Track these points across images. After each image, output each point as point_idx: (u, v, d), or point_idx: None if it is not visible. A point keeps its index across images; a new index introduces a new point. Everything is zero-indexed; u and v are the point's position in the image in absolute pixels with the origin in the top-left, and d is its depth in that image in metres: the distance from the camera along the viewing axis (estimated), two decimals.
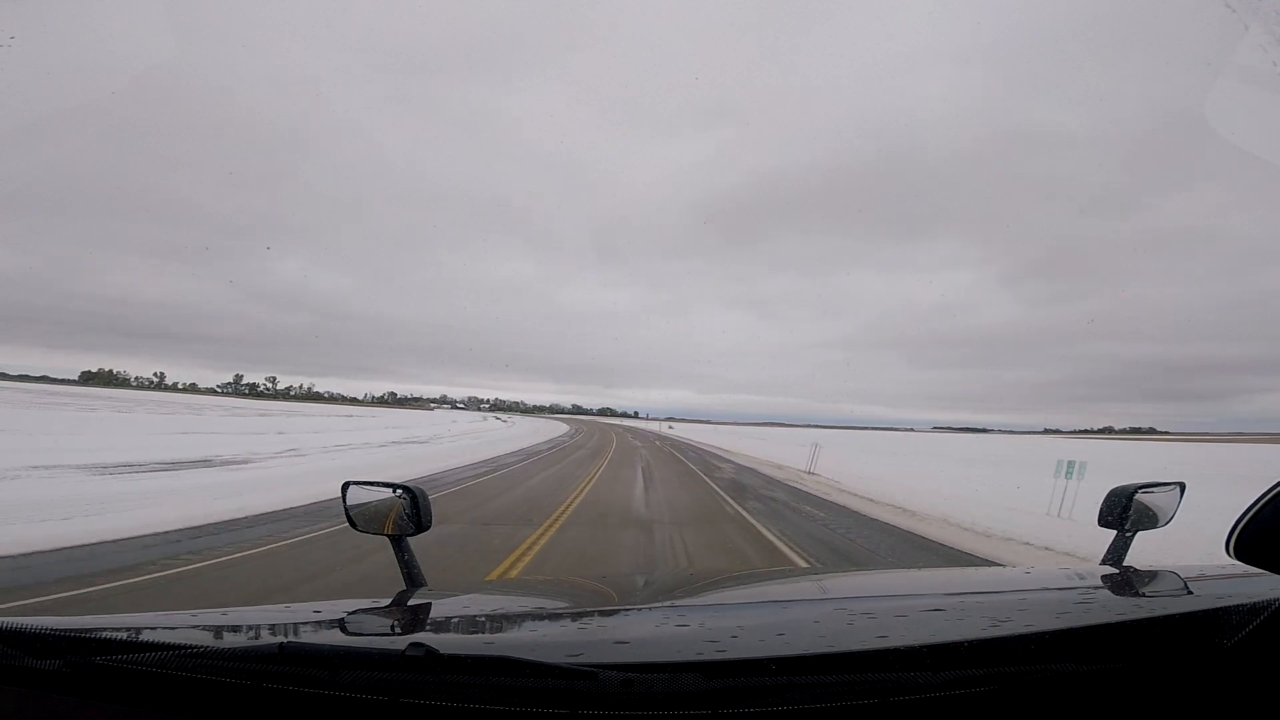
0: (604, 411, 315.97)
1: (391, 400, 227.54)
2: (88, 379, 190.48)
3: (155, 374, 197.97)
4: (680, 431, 74.93)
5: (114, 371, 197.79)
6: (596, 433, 59.17)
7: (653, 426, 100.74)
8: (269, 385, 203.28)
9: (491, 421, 72.41)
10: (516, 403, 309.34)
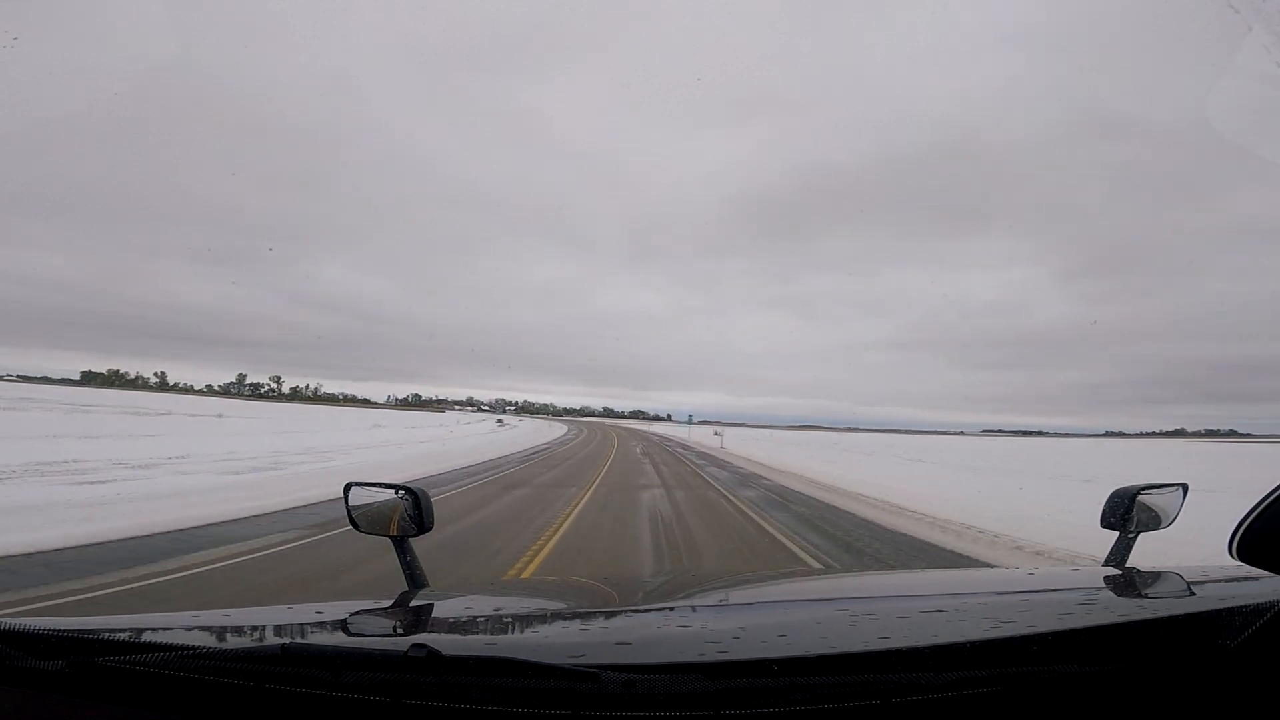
0: (636, 414, 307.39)
1: (415, 402, 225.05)
2: (88, 379, 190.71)
3: (156, 374, 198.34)
4: (738, 445, 39.82)
5: (120, 371, 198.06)
6: (592, 445, 37.51)
7: (697, 435, 56.61)
8: (274, 386, 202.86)
9: (482, 424, 63.04)
10: (546, 405, 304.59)
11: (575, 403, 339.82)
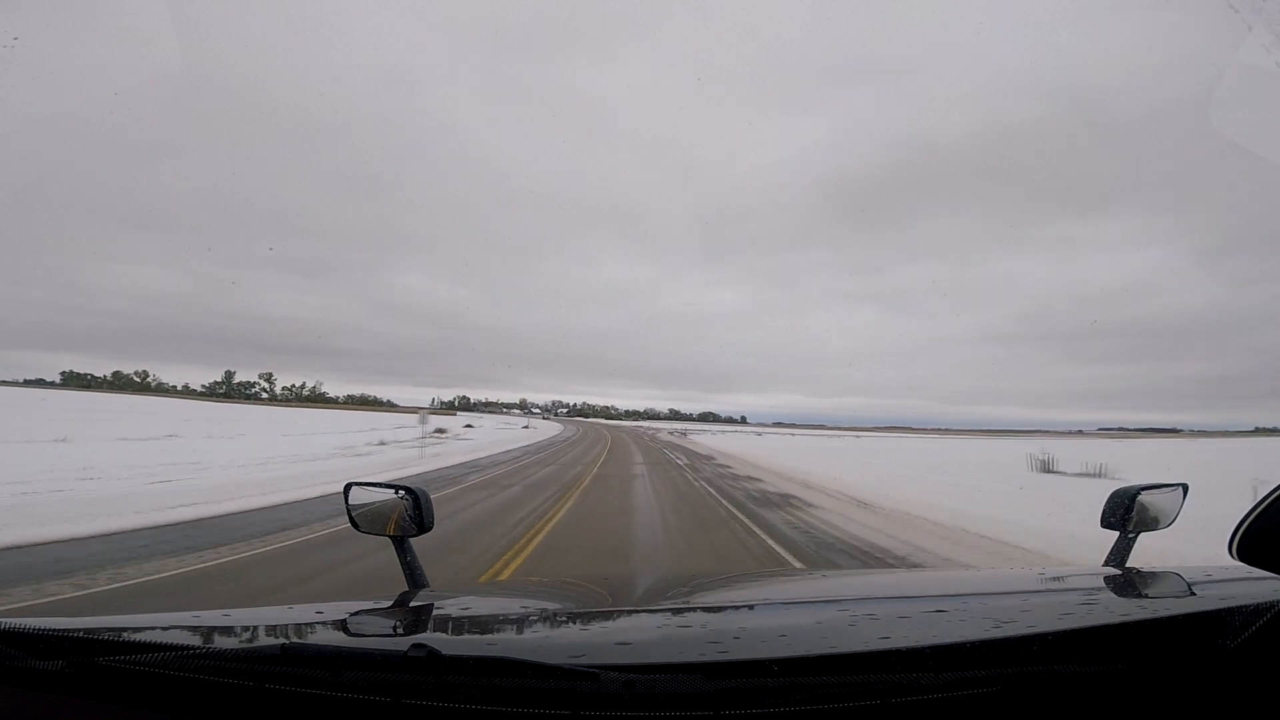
0: (705, 416, 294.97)
1: (463, 405, 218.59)
2: (69, 380, 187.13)
3: (137, 373, 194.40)
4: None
5: (134, 374, 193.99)
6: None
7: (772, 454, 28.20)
8: (266, 385, 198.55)
9: (468, 426, 54.42)
10: (607, 407, 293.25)
11: (641, 405, 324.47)
